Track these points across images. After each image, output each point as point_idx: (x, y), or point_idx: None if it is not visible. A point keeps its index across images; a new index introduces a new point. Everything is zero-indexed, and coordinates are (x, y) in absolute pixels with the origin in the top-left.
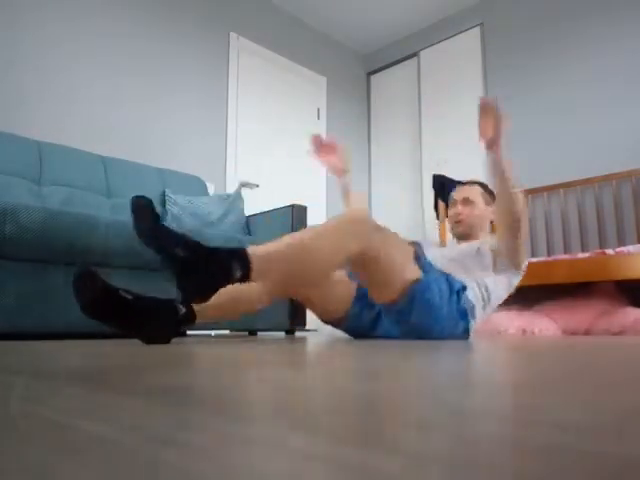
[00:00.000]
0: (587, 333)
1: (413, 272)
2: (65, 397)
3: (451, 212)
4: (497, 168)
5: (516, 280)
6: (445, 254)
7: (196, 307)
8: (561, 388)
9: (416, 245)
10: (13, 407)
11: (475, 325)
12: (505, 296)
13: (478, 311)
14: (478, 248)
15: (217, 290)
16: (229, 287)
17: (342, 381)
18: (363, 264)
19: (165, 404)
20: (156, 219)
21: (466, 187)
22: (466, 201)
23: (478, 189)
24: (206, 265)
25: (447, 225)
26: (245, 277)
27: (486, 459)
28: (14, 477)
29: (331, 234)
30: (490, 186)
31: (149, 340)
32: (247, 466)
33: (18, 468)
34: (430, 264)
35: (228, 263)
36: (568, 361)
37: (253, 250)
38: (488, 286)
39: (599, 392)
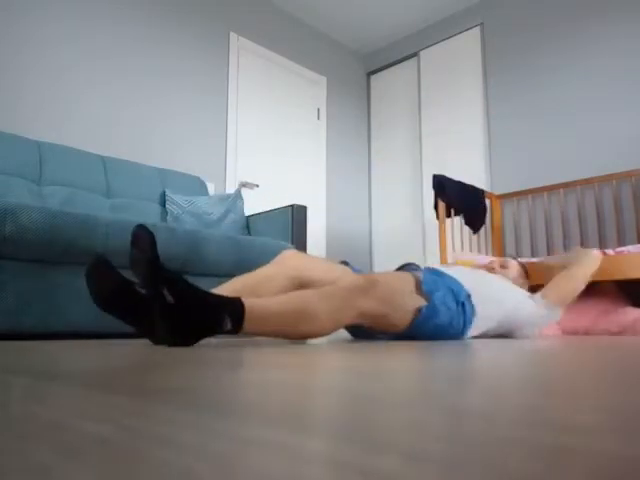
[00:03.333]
0: (587, 333)
1: (416, 302)
2: (65, 397)
3: (489, 265)
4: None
5: (549, 317)
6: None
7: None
8: (561, 388)
9: (414, 272)
10: (13, 407)
11: (471, 331)
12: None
13: (477, 320)
14: (521, 300)
15: (199, 340)
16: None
17: (341, 381)
18: (365, 321)
19: (165, 404)
20: (154, 251)
21: (504, 258)
22: (503, 264)
23: (515, 262)
24: (193, 310)
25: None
26: (233, 332)
27: (486, 459)
28: (14, 477)
29: (330, 300)
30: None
31: (158, 341)
32: (247, 466)
33: (18, 468)
34: (434, 281)
35: (220, 313)
36: (568, 361)
37: (251, 305)
38: (509, 316)
39: (600, 392)
